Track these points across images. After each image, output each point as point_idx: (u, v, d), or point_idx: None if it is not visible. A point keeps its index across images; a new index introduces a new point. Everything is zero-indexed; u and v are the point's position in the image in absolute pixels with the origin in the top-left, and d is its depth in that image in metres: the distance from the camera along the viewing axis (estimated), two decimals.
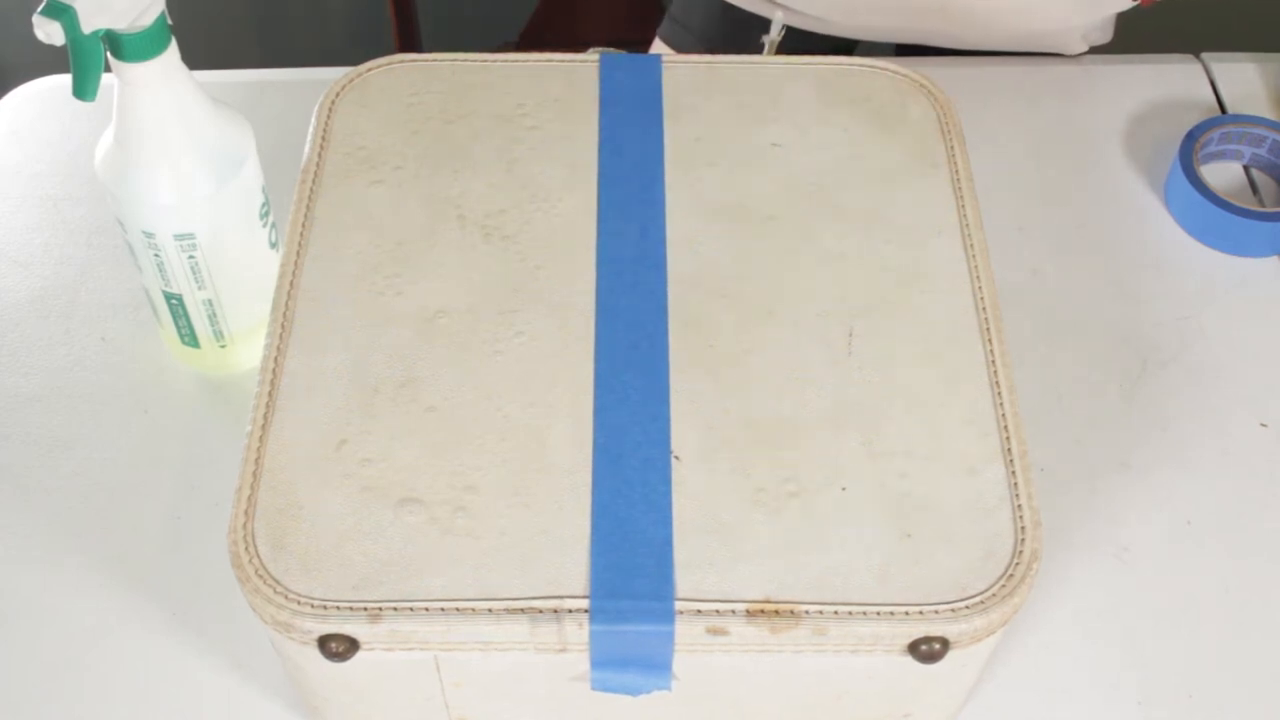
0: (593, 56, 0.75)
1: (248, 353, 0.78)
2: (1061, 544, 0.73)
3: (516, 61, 0.74)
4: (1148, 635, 0.70)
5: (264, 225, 0.74)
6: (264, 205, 0.74)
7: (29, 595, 0.70)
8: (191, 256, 0.71)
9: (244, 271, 0.74)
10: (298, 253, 0.65)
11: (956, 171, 0.69)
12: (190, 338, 0.76)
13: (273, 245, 0.75)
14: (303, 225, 0.66)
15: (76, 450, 0.76)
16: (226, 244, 0.72)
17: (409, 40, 1.69)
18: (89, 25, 0.60)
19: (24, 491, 0.74)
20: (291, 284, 0.64)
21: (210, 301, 0.74)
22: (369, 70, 0.74)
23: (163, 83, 0.66)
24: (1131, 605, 0.71)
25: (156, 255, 0.71)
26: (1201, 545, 0.73)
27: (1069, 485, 0.75)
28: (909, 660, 0.55)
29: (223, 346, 0.77)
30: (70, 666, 0.68)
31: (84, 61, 0.62)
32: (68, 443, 0.76)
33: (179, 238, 0.70)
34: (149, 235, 0.70)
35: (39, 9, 0.59)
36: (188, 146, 0.68)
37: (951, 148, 0.70)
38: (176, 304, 0.74)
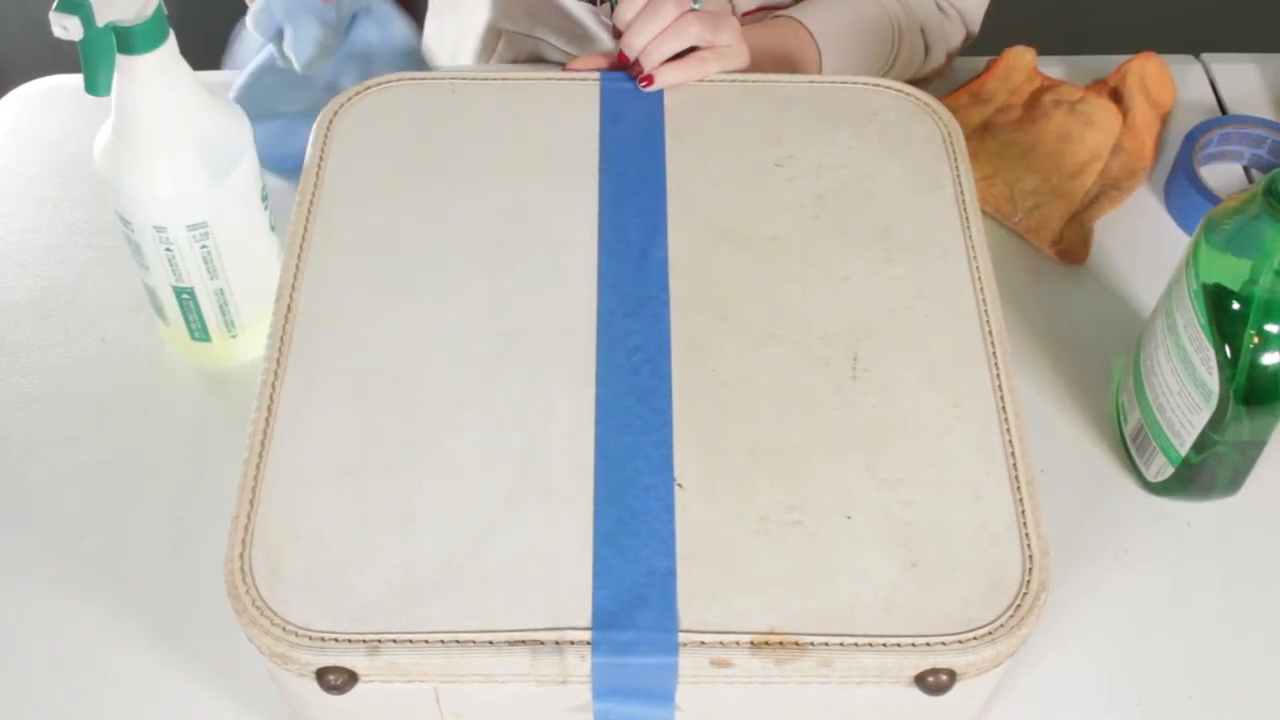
0: (593, 75, 0.74)
1: (258, 341, 0.78)
2: (1062, 546, 0.72)
3: (516, 80, 0.74)
4: (1148, 636, 0.70)
5: (265, 209, 0.74)
6: (263, 188, 0.74)
7: (28, 595, 0.70)
8: (204, 246, 0.71)
9: (252, 256, 0.74)
10: (295, 275, 0.64)
11: (961, 192, 0.68)
12: (201, 331, 0.76)
13: (272, 228, 0.75)
14: (300, 247, 0.66)
15: (76, 450, 0.76)
16: (234, 231, 0.72)
17: None
18: (101, 18, 0.61)
19: (24, 491, 0.74)
20: (289, 306, 0.63)
21: (222, 291, 0.74)
22: (367, 89, 0.73)
23: (164, 74, 0.66)
24: (1132, 607, 0.71)
25: (168, 249, 0.71)
26: (1202, 546, 0.73)
27: (1069, 486, 0.74)
28: (915, 691, 0.54)
29: (234, 336, 0.77)
30: (68, 667, 0.67)
31: (96, 56, 0.62)
32: (68, 443, 0.76)
33: (191, 228, 0.70)
34: (160, 229, 0.70)
35: (55, 5, 0.59)
36: (193, 135, 0.68)
37: (956, 168, 0.70)
38: (188, 298, 0.74)
